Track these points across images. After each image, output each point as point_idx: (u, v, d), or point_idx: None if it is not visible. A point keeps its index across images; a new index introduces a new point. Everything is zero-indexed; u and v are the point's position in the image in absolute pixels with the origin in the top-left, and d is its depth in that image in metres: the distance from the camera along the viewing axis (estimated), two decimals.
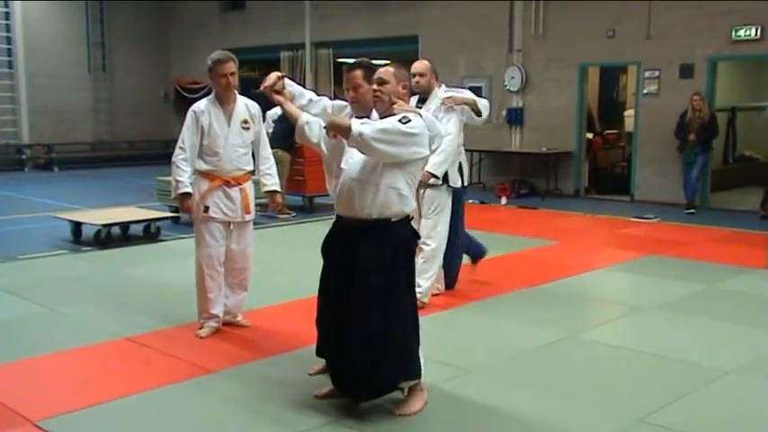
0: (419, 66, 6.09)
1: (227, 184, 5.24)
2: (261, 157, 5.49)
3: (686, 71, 11.74)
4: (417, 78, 5.96)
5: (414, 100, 6.36)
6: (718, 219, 10.56)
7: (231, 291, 5.47)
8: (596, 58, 12.92)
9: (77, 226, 8.79)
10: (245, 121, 5.32)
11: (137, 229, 8.79)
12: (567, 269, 7.25)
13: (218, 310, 5.35)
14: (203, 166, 5.26)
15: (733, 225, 10.01)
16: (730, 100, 13.43)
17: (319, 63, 17.34)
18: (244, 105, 5.39)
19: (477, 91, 12.80)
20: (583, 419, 3.95)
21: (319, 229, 7.71)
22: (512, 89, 13.60)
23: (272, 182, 5.51)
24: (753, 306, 6.24)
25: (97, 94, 19.03)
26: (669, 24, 11.73)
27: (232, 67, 5.23)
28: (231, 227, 5.33)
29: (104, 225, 8.55)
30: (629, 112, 13.81)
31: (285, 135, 9.99)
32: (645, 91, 12.29)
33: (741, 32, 11.12)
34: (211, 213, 5.22)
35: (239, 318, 5.54)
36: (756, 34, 10.99)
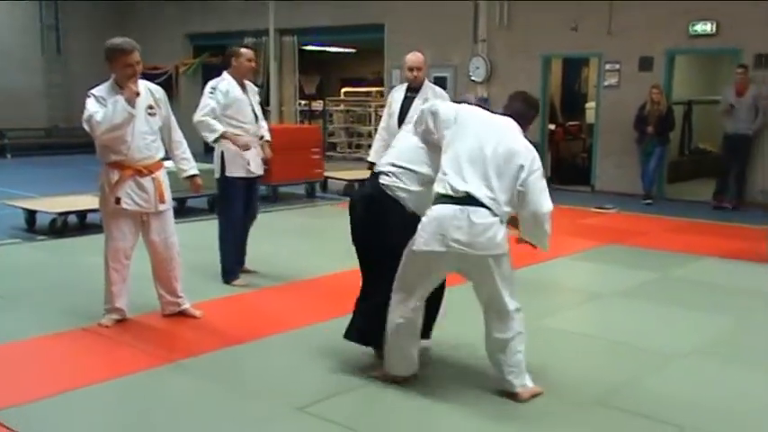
0: (416, 60, 6.35)
1: (139, 173, 5.08)
2: (173, 142, 5.36)
3: (645, 64, 11.98)
4: (416, 73, 6.32)
5: (402, 90, 6.52)
6: (673, 209, 10.83)
7: (163, 285, 5.38)
8: (559, 50, 13.10)
9: (31, 214, 8.66)
10: (151, 107, 5.15)
11: (94, 218, 8.70)
12: (529, 258, 7.28)
13: (121, 303, 5.25)
14: (111, 157, 5.06)
15: (687, 215, 10.27)
16: (687, 93, 13.74)
17: (283, 51, 17.24)
18: (147, 91, 5.18)
19: (442, 81, 13.00)
20: (542, 403, 4.06)
21: (284, 218, 7.81)
22: (476, 79, 13.73)
23: (190, 166, 5.44)
24: (705, 292, 6.44)
25: (50, 78, 18.69)
26: (630, 18, 11.94)
27: (137, 56, 4.98)
28: (145, 218, 5.19)
29: (60, 213, 8.41)
30: (590, 104, 14.03)
31: None
32: (606, 83, 12.52)
33: (698, 27, 11.38)
34: (123, 205, 5.06)
35: (186, 306, 5.47)
36: (712, 29, 11.26)
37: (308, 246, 6.56)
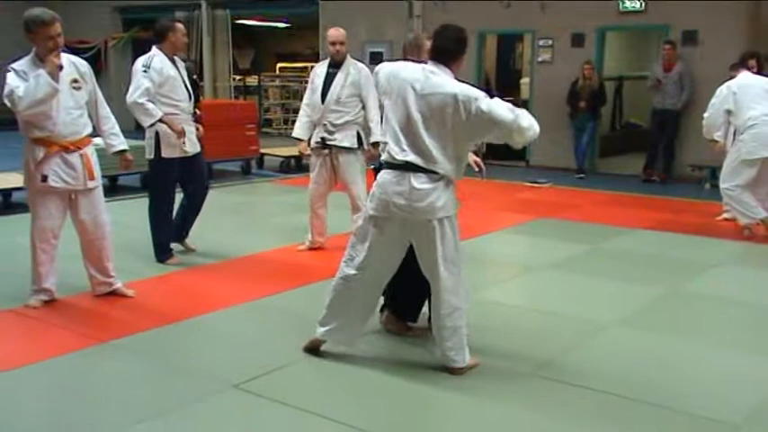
0: (338, 35, 6.38)
1: (66, 150, 4.93)
2: (101, 117, 5.22)
3: (578, 40, 12.15)
4: (338, 47, 6.35)
5: (324, 65, 6.50)
6: (605, 183, 11.06)
7: (94, 265, 5.27)
8: (493, 26, 13.18)
9: None
10: (76, 81, 4.98)
11: (19, 197, 8.43)
12: (465, 232, 7.36)
13: (49, 284, 5.14)
14: (37, 133, 4.89)
15: (618, 189, 10.51)
16: (618, 69, 13.99)
17: (216, 24, 16.92)
18: (71, 64, 5.01)
19: (378, 57, 12.97)
20: (478, 376, 4.12)
21: (218, 196, 7.72)
22: None
23: (119, 141, 5.31)
24: (632, 264, 6.60)
25: None
26: None
27: (59, 28, 4.82)
28: (72, 196, 5.05)
29: None
30: (524, 80, 14.16)
31: None
32: (539, 59, 12.65)
33: (627, 4, 11.56)
34: (50, 183, 4.92)
35: (118, 286, 5.36)
36: (641, 6, 11.45)
37: (244, 223, 6.51)
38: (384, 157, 4.08)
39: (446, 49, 4.03)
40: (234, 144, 11.30)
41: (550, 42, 12.45)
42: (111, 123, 5.29)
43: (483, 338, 4.54)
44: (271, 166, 12.22)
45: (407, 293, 4.54)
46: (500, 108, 3.86)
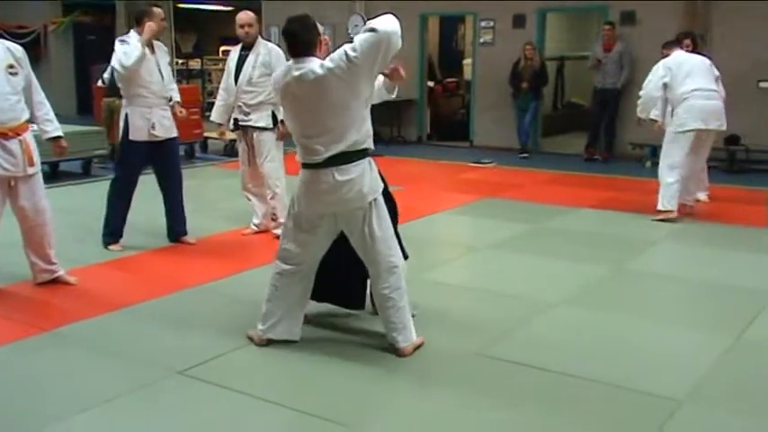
0: (246, 17, 6.50)
1: (5, 136, 4.83)
2: (35, 102, 5.13)
3: (519, 21, 12.25)
4: (247, 29, 6.47)
5: (237, 49, 6.58)
6: (548, 162, 11.22)
7: (35, 252, 5.19)
8: (435, 8, 13.21)
9: None
10: (11, 66, 4.89)
11: None
12: (409, 213, 7.45)
13: None
14: None
15: (561, 168, 10.67)
16: (559, 50, 14.17)
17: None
18: (5, 50, 4.92)
19: None
20: (423, 356, 4.16)
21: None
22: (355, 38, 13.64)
23: (53, 127, 5.26)
24: (575, 242, 6.72)
25: None
26: None
27: None
28: (12, 183, 4.96)
29: None
30: (467, 61, 14.26)
31: None
32: (481, 40, 12.73)
33: None
34: None
35: (61, 273, 5.29)
36: None
37: (189, 207, 6.46)
38: (300, 158, 4.04)
39: (310, 42, 3.92)
40: (177, 128, 11.11)
41: (492, 24, 12.52)
42: (45, 109, 5.19)
43: (427, 318, 4.58)
44: (214, 150, 12.11)
45: (347, 279, 4.51)
46: (361, 35, 3.80)
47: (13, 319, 4.69)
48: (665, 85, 7.37)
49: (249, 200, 6.85)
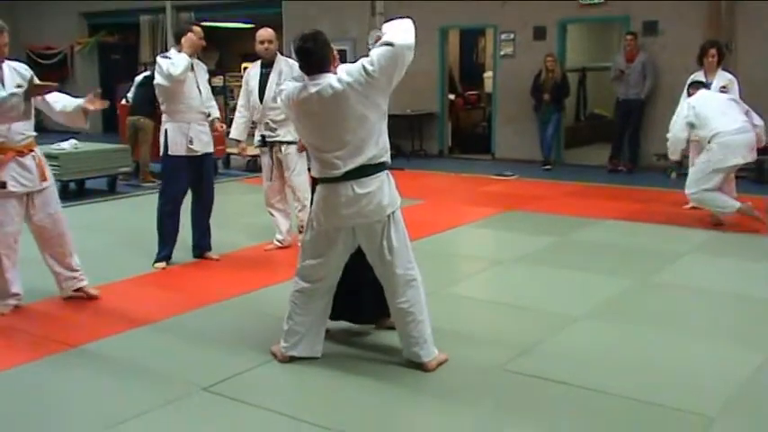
0: (266, 34, 6.61)
1: (20, 153, 4.95)
2: (51, 103, 5.15)
3: (539, 33, 12.22)
4: (266, 45, 6.59)
5: (257, 66, 6.59)
6: (571, 174, 11.14)
7: (59, 262, 5.25)
8: (456, 21, 13.22)
9: None
10: (20, 86, 4.96)
11: None
12: (432, 227, 7.49)
13: (17, 288, 5.12)
14: None
15: (585, 179, 10.60)
16: (581, 61, 14.11)
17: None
18: (12, 70, 5.03)
19: (342, 54, 12.92)
20: (447, 372, 4.12)
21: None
22: None
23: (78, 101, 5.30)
24: (600, 254, 6.66)
25: None
26: None
27: (6, 38, 4.86)
28: (27, 199, 5.05)
29: None
30: (488, 74, 14.23)
31: (148, 101, 9.77)
32: (502, 53, 12.71)
33: None
34: (10, 188, 4.92)
35: (85, 283, 5.34)
36: None
37: (214, 222, 6.51)
38: (316, 174, 4.04)
39: (324, 58, 3.93)
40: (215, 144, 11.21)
41: (512, 36, 12.50)
42: (63, 101, 5.20)
43: (451, 333, 4.55)
44: (237, 166, 12.18)
45: (360, 295, 4.49)
46: (379, 50, 3.84)
47: (38, 336, 4.72)
48: (691, 125, 7.34)
49: (272, 215, 6.87)
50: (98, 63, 18.41)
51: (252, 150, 7.11)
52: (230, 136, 6.98)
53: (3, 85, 4.84)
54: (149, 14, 16.63)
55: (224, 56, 22.92)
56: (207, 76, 6.45)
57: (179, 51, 6.03)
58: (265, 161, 6.78)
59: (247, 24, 21.07)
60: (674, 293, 5.60)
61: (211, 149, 6.44)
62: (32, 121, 5.09)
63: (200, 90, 6.22)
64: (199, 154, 6.23)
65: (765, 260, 6.38)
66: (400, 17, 4.09)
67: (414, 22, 3.97)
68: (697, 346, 4.55)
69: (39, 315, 5.13)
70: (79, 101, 5.20)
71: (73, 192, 9.33)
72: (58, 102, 5.20)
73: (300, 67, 4.00)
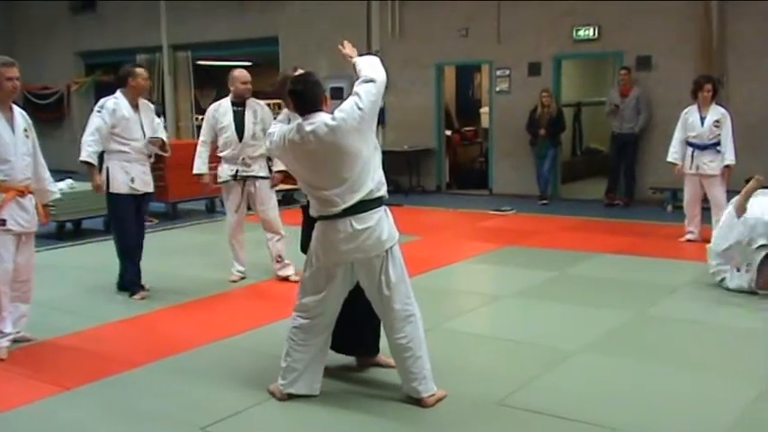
0: (247, 75, 7.00)
1: (21, 193, 5.03)
2: (40, 165, 5.33)
3: (534, 69, 12.34)
4: (248, 86, 6.95)
5: (228, 103, 6.94)
6: (568, 208, 11.17)
7: (20, 302, 5.22)
8: (451, 58, 13.35)
9: None
10: (26, 129, 5.14)
11: None
12: (429, 263, 7.49)
13: (10, 327, 5.09)
14: None
15: (582, 214, 10.62)
16: (576, 96, 14.23)
17: (178, 66, 16.96)
18: (20, 114, 5.18)
19: (338, 92, 13.03)
20: (445, 407, 4.10)
21: (184, 235, 7.68)
22: None
23: (56, 188, 5.64)
24: (599, 289, 6.66)
25: None
26: (517, 25, 12.28)
27: (17, 71, 5.04)
28: (22, 239, 5.10)
29: None
30: (484, 109, 14.32)
31: None
32: (497, 89, 12.82)
33: (581, 32, 11.80)
34: (9, 226, 4.96)
35: (22, 332, 5.27)
36: (594, 34, 11.70)
37: (209, 262, 6.50)
38: (315, 213, 4.08)
39: (316, 98, 4.04)
40: (198, 183, 11.21)
41: (508, 72, 12.62)
42: (48, 172, 5.43)
43: (449, 369, 4.53)
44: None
45: (361, 326, 4.50)
46: (365, 86, 4.00)
47: (32, 378, 4.69)
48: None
49: (233, 247, 7.06)
50: (94, 102, 18.45)
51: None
52: (195, 171, 7.11)
53: (13, 130, 4.98)
54: (146, 53, 16.77)
55: (220, 94, 23.09)
56: (152, 115, 6.59)
57: (123, 94, 6.28)
58: (233, 196, 6.95)
59: (244, 62, 21.31)
60: (671, 327, 5.59)
61: (151, 189, 6.65)
62: (32, 165, 5.17)
63: (142, 131, 6.38)
64: (140, 193, 6.42)
65: (760, 294, 6.36)
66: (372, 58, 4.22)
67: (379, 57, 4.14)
68: (693, 379, 4.54)
69: (30, 356, 5.10)
70: (56, 195, 5.64)
71: (69, 232, 9.34)
72: (49, 177, 5.47)
73: (294, 108, 4.08)
